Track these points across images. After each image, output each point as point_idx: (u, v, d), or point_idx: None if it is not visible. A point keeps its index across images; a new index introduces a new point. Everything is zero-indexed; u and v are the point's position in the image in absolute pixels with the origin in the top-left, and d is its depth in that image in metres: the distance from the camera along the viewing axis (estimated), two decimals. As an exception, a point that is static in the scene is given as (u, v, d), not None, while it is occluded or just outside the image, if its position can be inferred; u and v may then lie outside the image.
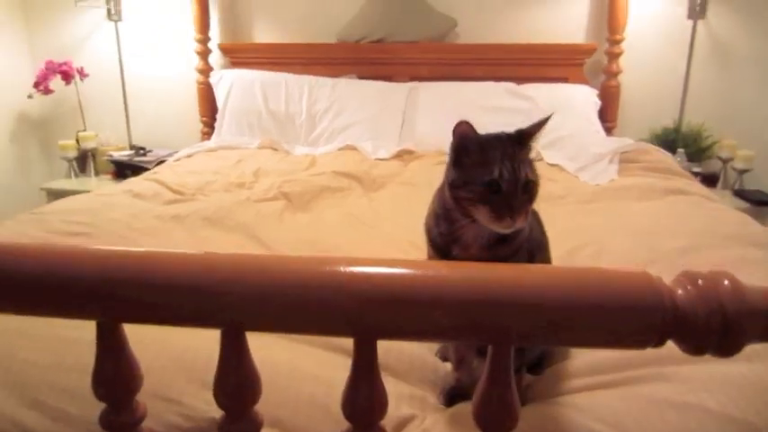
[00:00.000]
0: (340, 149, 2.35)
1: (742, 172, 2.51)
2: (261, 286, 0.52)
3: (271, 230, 1.47)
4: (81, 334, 0.74)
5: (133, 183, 1.91)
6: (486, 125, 2.61)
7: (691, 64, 2.60)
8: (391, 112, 2.51)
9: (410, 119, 2.50)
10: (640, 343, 0.53)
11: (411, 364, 0.91)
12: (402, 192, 1.87)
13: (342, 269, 0.52)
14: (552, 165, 2.16)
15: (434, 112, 2.48)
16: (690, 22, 2.56)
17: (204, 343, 0.78)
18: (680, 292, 0.52)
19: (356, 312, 0.51)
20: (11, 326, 0.88)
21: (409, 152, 2.31)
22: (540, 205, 0.79)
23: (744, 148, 2.50)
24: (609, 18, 2.53)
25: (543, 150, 2.28)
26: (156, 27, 2.82)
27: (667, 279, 0.53)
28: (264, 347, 0.65)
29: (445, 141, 2.63)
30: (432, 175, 1.92)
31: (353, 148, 2.34)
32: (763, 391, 0.77)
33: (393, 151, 2.30)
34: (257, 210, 1.61)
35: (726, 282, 0.52)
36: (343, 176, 1.97)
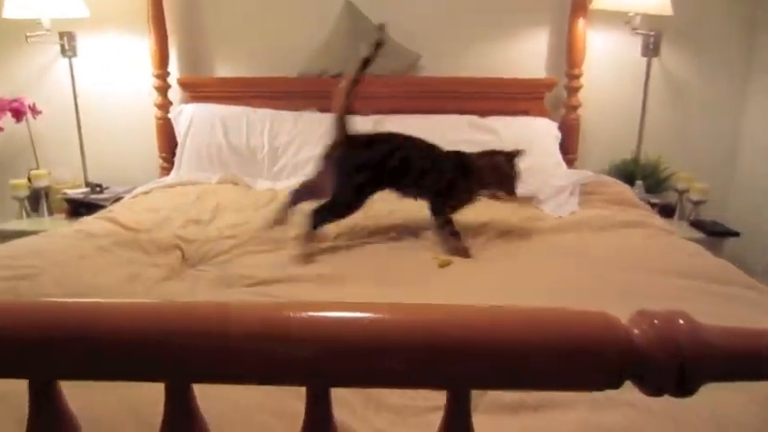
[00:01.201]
0: (303, 184, 2.33)
1: (697, 203, 2.57)
2: (205, 336, 0.49)
3: (233, 266, 1.44)
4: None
5: (85, 222, 1.84)
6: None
7: (647, 99, 2.69)
8: (355, 146, 2.50)
9: (374, 152, 2.50)
10: (598, 385, 0.51)
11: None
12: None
13: (291, 315, 0.49)
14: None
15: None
16: (644, 60, 2.65)
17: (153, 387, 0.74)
18: (636, 332, 0.51)
19: (307, 361, 0.49)
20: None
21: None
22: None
23: (699, 180, 2.57)
24: (567, 53, 2.61)
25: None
26: (113, 62, 2.78)
27: (619, 313, 0.53)
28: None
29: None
30: (396, 213, 1.94)
31: (317, 183, 2.32)
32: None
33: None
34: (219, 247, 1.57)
35: (681, 321, 0.51)
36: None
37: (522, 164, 2.40)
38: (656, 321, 0.51)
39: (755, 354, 0.53)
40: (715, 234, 2.46)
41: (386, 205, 1.86)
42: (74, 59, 2.72)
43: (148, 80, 2.68)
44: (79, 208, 2.55)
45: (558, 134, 2.58)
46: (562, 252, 1.59)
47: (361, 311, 0.50)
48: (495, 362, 0.48)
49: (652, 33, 2.60)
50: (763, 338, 0.54)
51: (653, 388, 0.51)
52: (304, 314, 0.48)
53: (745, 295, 1.28)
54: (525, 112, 2.63)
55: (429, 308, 0.52)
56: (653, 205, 2.58)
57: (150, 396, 0.75)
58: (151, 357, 0.48)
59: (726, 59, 2.70)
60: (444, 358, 0.48)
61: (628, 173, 2.66)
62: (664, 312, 0.53)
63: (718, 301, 1.21)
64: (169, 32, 2.65)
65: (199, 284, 1.36)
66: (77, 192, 2.61)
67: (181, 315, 0.49)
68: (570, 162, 2.62)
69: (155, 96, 2.68)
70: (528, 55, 2.74)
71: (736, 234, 2.49)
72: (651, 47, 2.64)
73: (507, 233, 1.78)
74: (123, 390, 0.78)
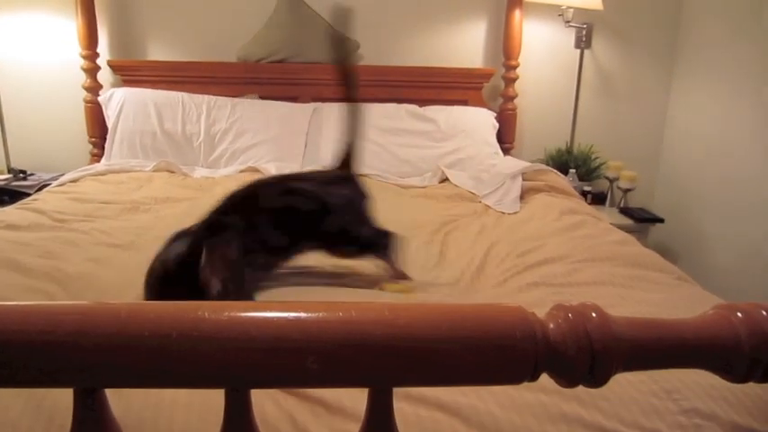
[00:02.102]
0: (242, 171, 2.28)
1: (626, 191, 2.69)
2: (114, 338, 0.47)
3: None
4: None
5: (6, 212, 1.73)
6: (389, 146, 2.64)
7: (579, 90, 2.77)
8: (294, 134, 2.47)
9: (314, 140, 2.48)
10: (515, 378, 0.53)
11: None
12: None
13: (206, 315, 0.48)
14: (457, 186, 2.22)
15: (338, 134, 2.46)
16: (577, 52, 2.73)
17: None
18: (551, 326, 0.52)
19: (224, 362, 0.48)
20: None
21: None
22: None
23: (628, 168, 2.68)
24: (504, 45, 2.65)
25: (447, 170, 2.34)
26: (38, 40, 2.62)
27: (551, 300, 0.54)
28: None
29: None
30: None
31: (256, 170, 2.28)
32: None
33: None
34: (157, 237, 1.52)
35: (593, 314, 0.53)
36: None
37: (460, 153, 2.46)
38: (570, 315, 0.53)
39: (662, 343, 0.56)
40: (642, 220, 2.58)
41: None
42: (-8, 36, 2.56)
43: (76, 61, 2.54)
44: (1, 195, 2.42)
45: (496, 124, 2.63)
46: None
47: (278, 311, 0.50)
48: (414, 359, 0.49)
49: (584, 26, 2.68)
50: (669, 329, 0.57)
51: (568, 379, 0.53)
52: (219, 314, 0.47)
53: (664, 280, 1.35)
54: (464, 102, 2.66)
55: (345, 306, 0.52)
56: (586, 193, 2.68)
57: (63, 401, 0.72)
58: (57, 361, 0.46)
59: (652, 51, 2.81)
60: (362, 356, 0.48)
61: (562, 161, 2.74)
62: (577, 306, 0.55)
63: (643, 285, 1.29)
64: (98, 11, 2.52)
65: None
66: (-1, 179, 2.47)
67: (89, 315, 0.47)
68: (507, 151, 2.67)
69: (83, 78, 2.55)
70: (466, 46, 2.77)
71: (661, 220, 2.62)
72: (584, 39, 2.71)
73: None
74: (32, 392, 0.75)
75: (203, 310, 0.49)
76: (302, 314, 0.49)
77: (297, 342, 0.48)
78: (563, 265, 1.40)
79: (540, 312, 0.55)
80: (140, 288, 1.14)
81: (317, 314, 0.49)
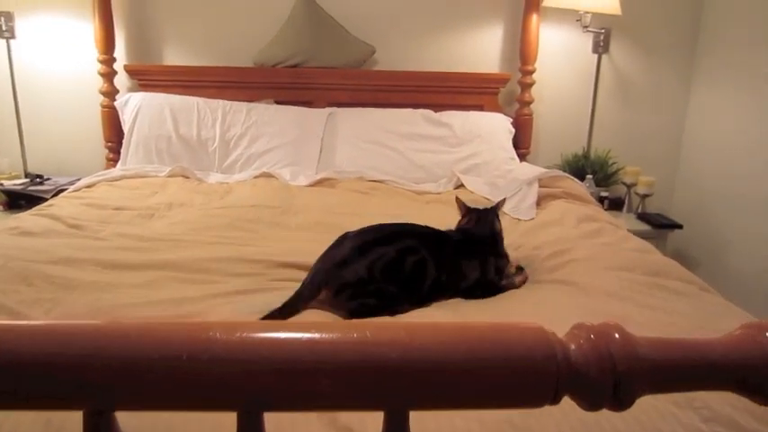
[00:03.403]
0: (256, 177, 2.28)
1: (644, 196, 2.65)
2: (126, 360, 0.46)
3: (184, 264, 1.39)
4: None
5: (21, 219, 1.74)
6: (405, 151, 2.61)
7: (597, 95, 2.74)
8: (309, 138, 2.47)
9: (329, 145, 2.47)
10: (536, 401, 0.51)
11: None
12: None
13: (217, 336, 0.47)
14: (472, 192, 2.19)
15: (353, 138, 2.47)
16: (595, 56, 2.70)
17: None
18: (573, 347, 0.51)
19: (235, 385, 0.46)
20: None
21: (329, 180, 2.27)
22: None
23: (645, 173, 2.64)
24: (521, 49, 2.62)
25: (462, 176, 2.32)
26: (55, 45, 2.64)
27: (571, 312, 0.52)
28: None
29: (364, 167, 2.59)
30: (356, 204, 1.92)
31: (270, 176, 2.28)
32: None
33: (312, 179, 2.26)
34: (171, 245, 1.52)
35: (616, 335, 0.51)
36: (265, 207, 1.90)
37: (476, 159, 2.44)
38: (591, 336, 0.51)
39: (688, 365, 0.54)
40: (660, 226, 2.54)
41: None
42: (12, 41, 2.58)
43: (93, 66, 2.56)
44: (18, 200, 2.44)
45: (512, 129, 2.60)
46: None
47: (291, 331, 0.48)
48: (430, 381, 0.47)
49: (602, 31, 2.65)
50: (695, 350, 0.55)
51: (590, 402, 0.51)
52: (230, 335, 0.46)
53: (686, 290, 1.32)
54: (479, 107, 2.64)
55: (360, 326, 0.51)
56: (603, 199, 2.65)
57: (73, 416, 0.72)
58: (66, 383, 0.45)
59: (671, 56, 2.77)
60: (377, 378, 0.46)
61: (578, 167, 2.71)
62: (599, 326, 0.53)
63: (664, 296, 1.27)
64: (116, 16, 2.54)
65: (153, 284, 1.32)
66: (16, 183, 2.49)
67: (98, 336, 0.47)
68: (523, 156, 2.65)
69: (100, 83, 2.57)
70: (482, 50, 2.75)
71: (680, 227, 2.57)
72: (601, 44, 2.69)
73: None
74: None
75: (215, 330, 0.47)
76: (316, 335, 0.48)
77: (310, 364, 0.46)
78: (583, 273, 1.38)
79: (561, 330, 0.53)
80: (147, 298, 1.14)
81: (330, 335, 0.48)
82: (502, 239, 1.45)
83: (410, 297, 1.25)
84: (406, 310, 1.21)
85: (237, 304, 1.22)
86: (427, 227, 1.38)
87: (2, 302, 1.17)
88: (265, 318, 1.13)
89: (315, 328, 0.49)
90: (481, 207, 1.48)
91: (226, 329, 0.47)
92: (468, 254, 1.35)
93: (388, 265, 1.24)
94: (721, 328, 1.16)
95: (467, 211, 1.46)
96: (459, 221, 1.47)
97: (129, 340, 0.46)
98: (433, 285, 1.28)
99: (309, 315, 1.19)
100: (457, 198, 1.51)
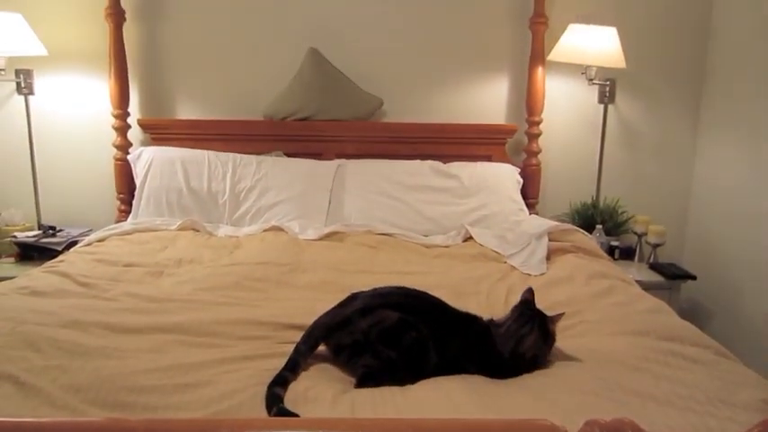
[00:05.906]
0: (265, 231, 2.29)
1: (656, 246, 2.63)
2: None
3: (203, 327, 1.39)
4: None
5: (32, 276, 1.75)
6: (414, 203, 2.60)
7: (604, 144, 2.75)
8: (318, 191, 2.48)
9: (337, 197, 2.48)
10: None
11: None
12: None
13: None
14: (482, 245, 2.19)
15: (362, 190, 2.48)
16: (601, 107, 2.72)
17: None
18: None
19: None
20: None
21: (337, 233, 2.26)
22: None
23: (656, 222, 2.63)
24: (527, 101, 2.66)
25: (471, 228, 2.31)
26: (72, 101, 2.71)
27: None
28: None
29: (373, 219, 2.57)
30: (364, 261, 1.92)
31: (279, 229, 2.28)
32: None
33: (321, 232, 2.26)
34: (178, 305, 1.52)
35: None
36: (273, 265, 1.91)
37: (484, 210, 2.44)
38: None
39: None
40: (673, 277, 2.51)
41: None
42: (30, 97, 2.65)
43: (108, 120, 2.62)
44: (30, 252, 2.46)
45: (520, 179, 2.61)
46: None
47: (299, 429, 0.48)
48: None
49: (607, 83, 2.68)
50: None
51: None
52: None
53: (703, 357, 1.29)
54: (487, 158, 2.66)
55: (368, 424, 0.50)
56: (613, 248, 2.63)
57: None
58: None
59: (677, 105, 2.79)
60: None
61: (587, 216, 2.70)
62: (612, 422, 0.52)
63: (680, 364, 1.25)
64: (130, 72, 2.61)
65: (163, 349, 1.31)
66: (29, 234, 2.51)
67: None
68: (531, 206, 2.64)
69: (114, 136, 2.62)
70: (489, 102, 2.78)
71: (693, 277, 2.54)
72: (607, 95, 2.71)
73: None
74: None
75: (223, 428, 0.47)
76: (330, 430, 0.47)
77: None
78: (595, 338, 1.35)
79: (574, 422, 0.52)
80: (151, 362, 1.13)
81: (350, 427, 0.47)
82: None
83: (412, 372, 1.20)
84: (412, 382, 1.18)
85: (244, 372, 1.21)
86: (447, 306, 1.32)
87: (9, 371, 1.16)
88: (273, 381, 1.12)
89: (325, 425, 0.48)
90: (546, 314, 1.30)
91: (232, 428, 0.46)
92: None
93: (385, 331, 1.22)
94: (741, 400, 1.14)
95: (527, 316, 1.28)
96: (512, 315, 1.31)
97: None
98: (437, 369, 1.22)
99: (318, 374, 1.20)
100: (531, 290, 1.36)
